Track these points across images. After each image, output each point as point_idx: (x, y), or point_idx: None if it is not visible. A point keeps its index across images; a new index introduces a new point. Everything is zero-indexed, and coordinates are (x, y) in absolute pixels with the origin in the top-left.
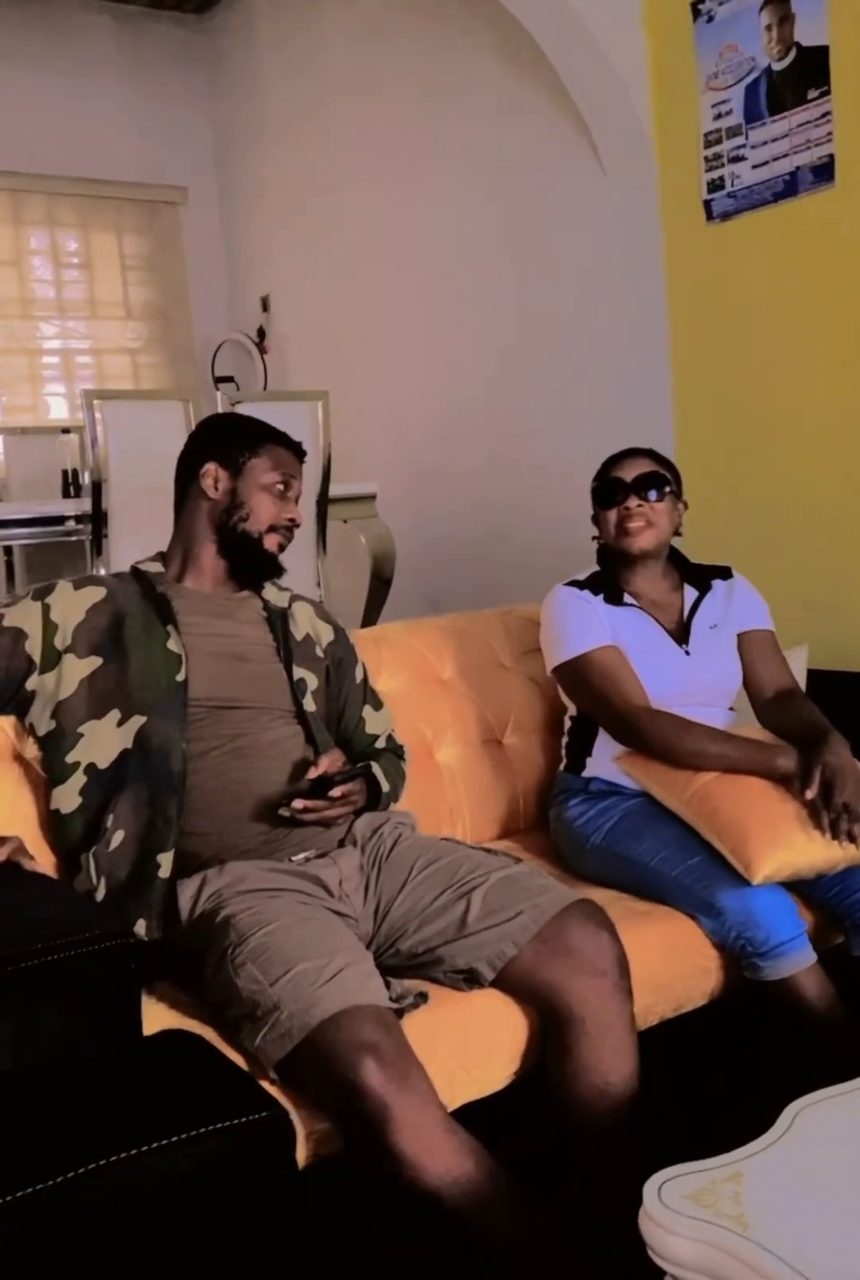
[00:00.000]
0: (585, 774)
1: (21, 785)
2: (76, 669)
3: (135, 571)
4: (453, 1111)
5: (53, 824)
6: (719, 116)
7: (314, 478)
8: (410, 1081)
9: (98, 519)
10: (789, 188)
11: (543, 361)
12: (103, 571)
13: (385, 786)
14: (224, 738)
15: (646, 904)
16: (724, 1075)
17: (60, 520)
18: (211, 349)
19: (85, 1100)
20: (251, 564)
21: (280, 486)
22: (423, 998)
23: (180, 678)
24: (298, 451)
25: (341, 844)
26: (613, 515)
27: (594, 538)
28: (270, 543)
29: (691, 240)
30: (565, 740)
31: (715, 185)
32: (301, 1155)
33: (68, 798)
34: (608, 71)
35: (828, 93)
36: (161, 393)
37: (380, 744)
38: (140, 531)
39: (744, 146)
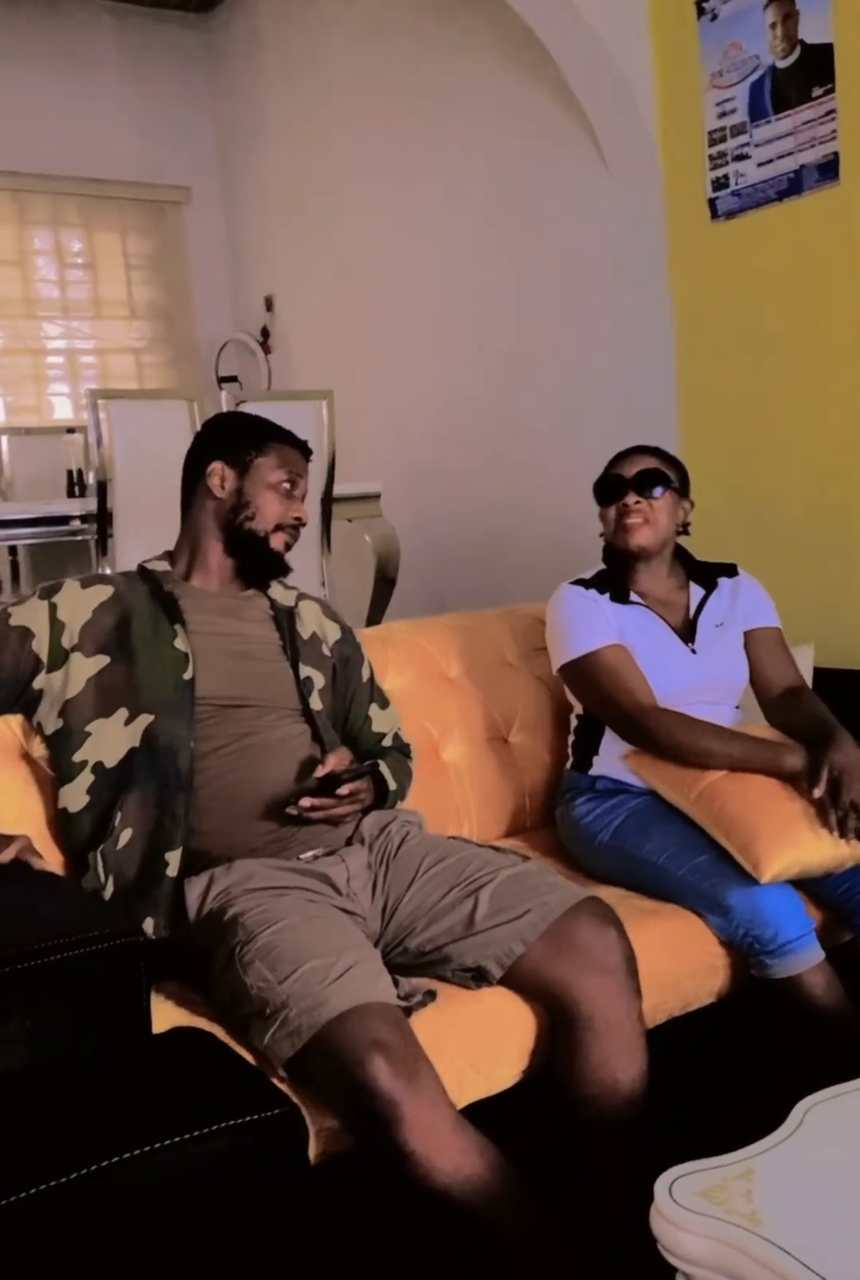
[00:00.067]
0: (592, 772)
1: (29, 784)
2: (84, 668)
3: (142, 570)
4: (461, 1110)
5: (60, 823)
6: (723, 115)
7: (318, 477)
8: (419, 1079)
9: (103, 518)
10: (793, 186)
11: (546, 361)
12: (109, 571)
13: (392, 785)
14: (231, 736)
15: (654, 902)
16: (732, 1073)
17: (65, 520)
18: (215, 349)
19: (97, 1097)
20: (258, 563)
21: (287, 485)
22: (431, 996)
23: (187, 676)
24: (304, 450)
25: (349, 842)
26: (612, 512)
27: (601, 535)
28: (277, 541)
29: (696, 239)
30: (572, 738)
31: (720, 184)
32: (311, 1153)
33: (75, 796)
34: (612, 70)
35: (832, 90)
36: (166, 392)
37: (387, 742)
38: (145, 531)
39: (748, 144)
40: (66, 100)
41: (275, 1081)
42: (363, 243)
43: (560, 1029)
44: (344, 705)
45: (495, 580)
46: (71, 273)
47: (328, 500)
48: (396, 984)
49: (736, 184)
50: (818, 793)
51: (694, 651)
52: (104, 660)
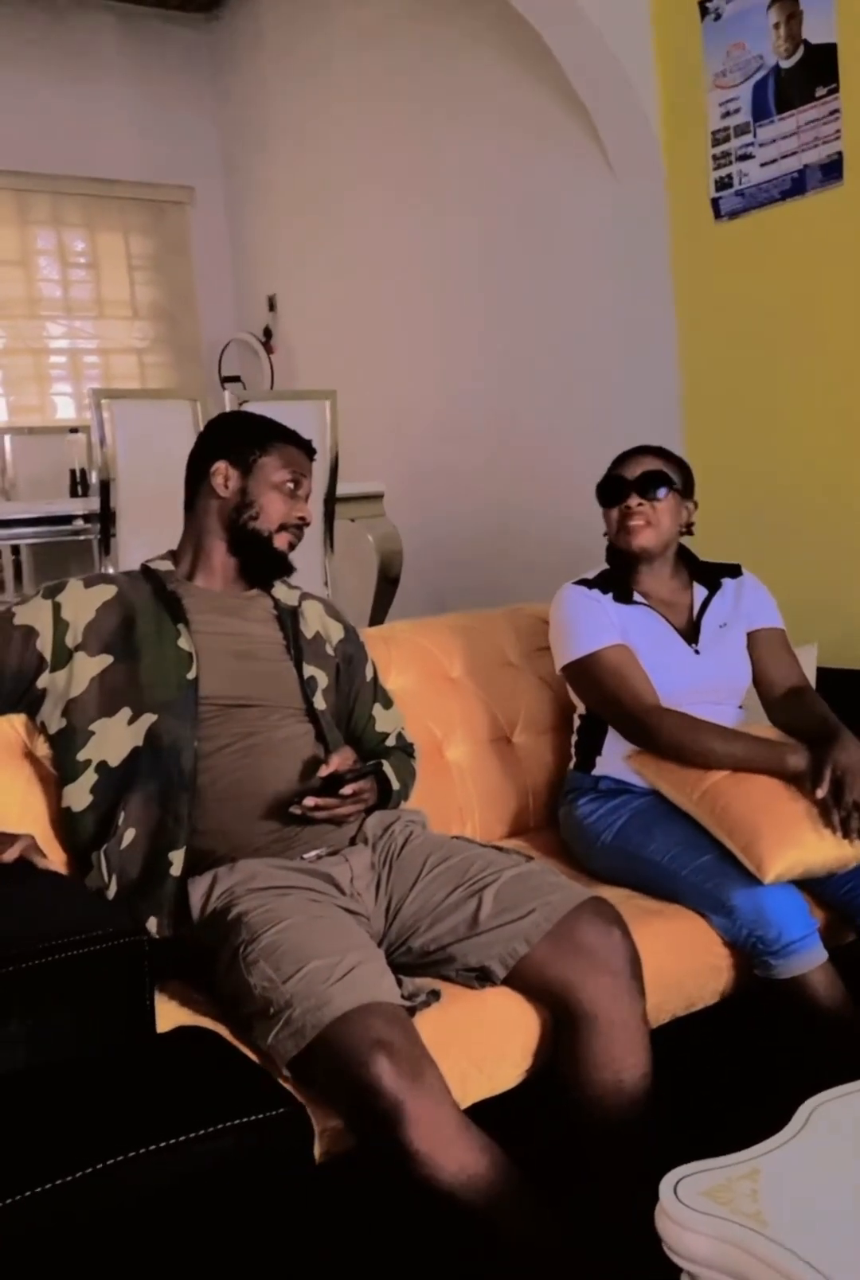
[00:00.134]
0: (595, 772)
1: (33, 783)
2: (87, 667)
3: (146, 570)
4: (465, 1109)
5: (64, 822)
6: (727, 115)
7: (321, 477)
8: (423, 1079)
9: (106, 518)
10: (797, 186)
11: (549, 361)
12: (111, 570)
13: (396, 785)
14: (235, 736)
15: (657, 902)
16: (735, 1073)
17: (68, 520)
18: (218, 349)
19: (101, 1097)
20: (262, 562)
21: (290, 485)
22: (435, 996)
23: (191, 676)
24: (308, 450)
25: (353, 842)
26: (615, 513)
27: (605, 535)
28: (280, 541)
29: (699, 239)
30: (575, 739)
31: (723, 183)
32: (316, 1153)
33: (79, 796)
34: (615, 70)
35: (836, 90)
36: (170, 392)
37: (390, 742)
38: (148, 530)
39: (752, 144)
40: (70, 101)
41: (280, 1081)
42: (366, 243)
43: (564, 1029)
44: (347, 705)
45: (498, 580)
46: (74, 273)
47: (331, 500)
48: (400, 984)
49: (740, 184)
50: (821, 793)
51: (697, 652)
52: (107, 659)
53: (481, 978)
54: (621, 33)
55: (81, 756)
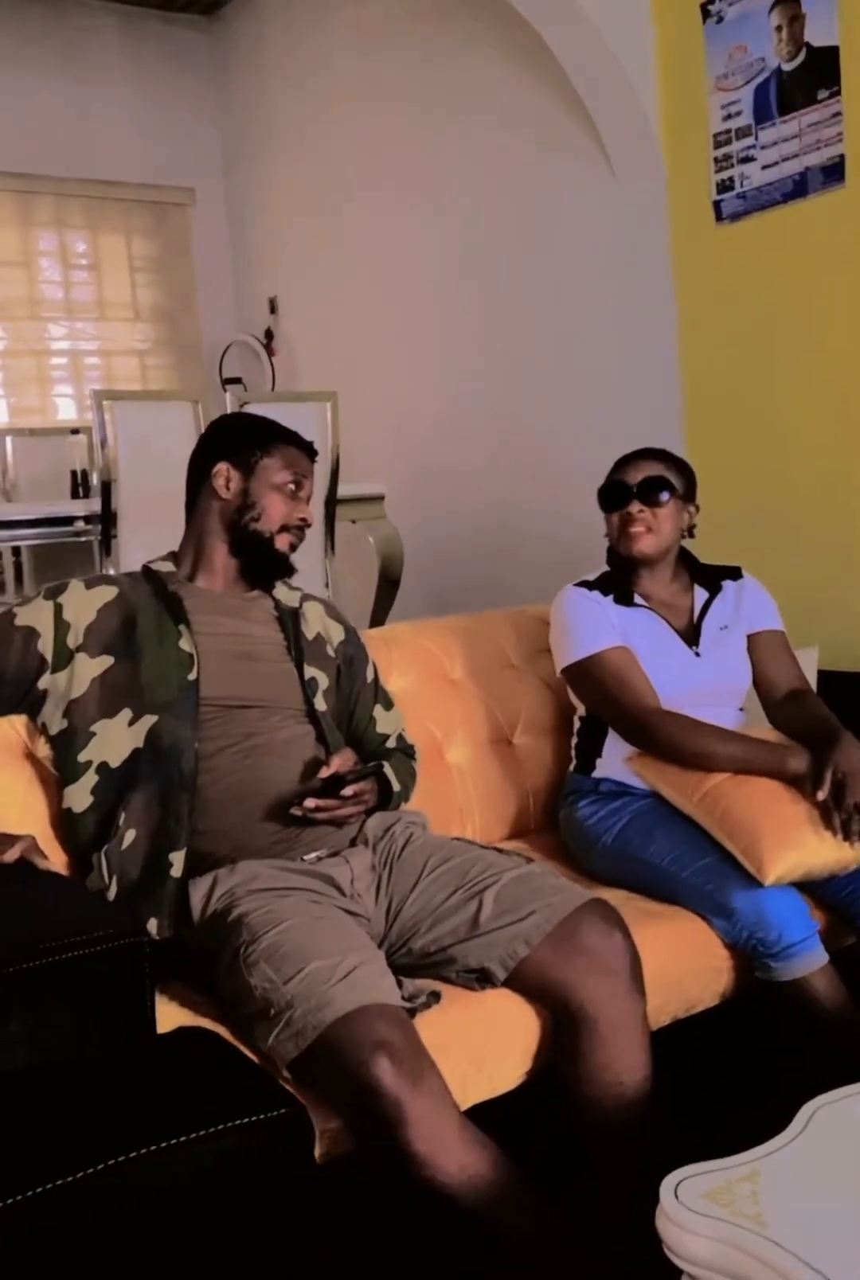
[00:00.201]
0: (595, 774)
1: (33, 784)
2: (88, 668)
3: (147, 571)
4: (465, 1111)
5: (64, 823)
6: (729, 117)
7: (322, 479)
8: (424, 1080)
9: (107, 519)
10: (799, 188)
11: (550, 363)
12: (112, 572)
13: (396, 786)
14: (236, 737)
15: (658, 904)
16: (736, 1075)
17: (69, 521)
18: (219, 350)
19: (102, 1097)
20: (263, 563)
21: (292, 486)
22: (435, 997)
23: (192, 677)
24: (309, 451)
25: (353, 843)
26: (616, 519)
27: (606, 536)
28: (282, 542)
29: (701, 241)
30: (574, 741)
31: (725, 186)
32: (316, 1153)
33: (79, 797)
34: (617, 73)
35: (838, 93)
36: (171, 393)
37: (391, 744)
38: (149, 532)
39: (754, 147)
40: (72, 102)
41: (281, 1082)
42: (367, 244)
43: (564, 1031)
44: (348, 706)
45: (498, 580)
46: (76, 274)
47: (332, 502)
48: (400, 985)
49: (741, 187)
50: (821, 795)
51: (697, 654)
52: (108, 661)
53: (482, 979)
54: (623, 34)
55: (82, 757)
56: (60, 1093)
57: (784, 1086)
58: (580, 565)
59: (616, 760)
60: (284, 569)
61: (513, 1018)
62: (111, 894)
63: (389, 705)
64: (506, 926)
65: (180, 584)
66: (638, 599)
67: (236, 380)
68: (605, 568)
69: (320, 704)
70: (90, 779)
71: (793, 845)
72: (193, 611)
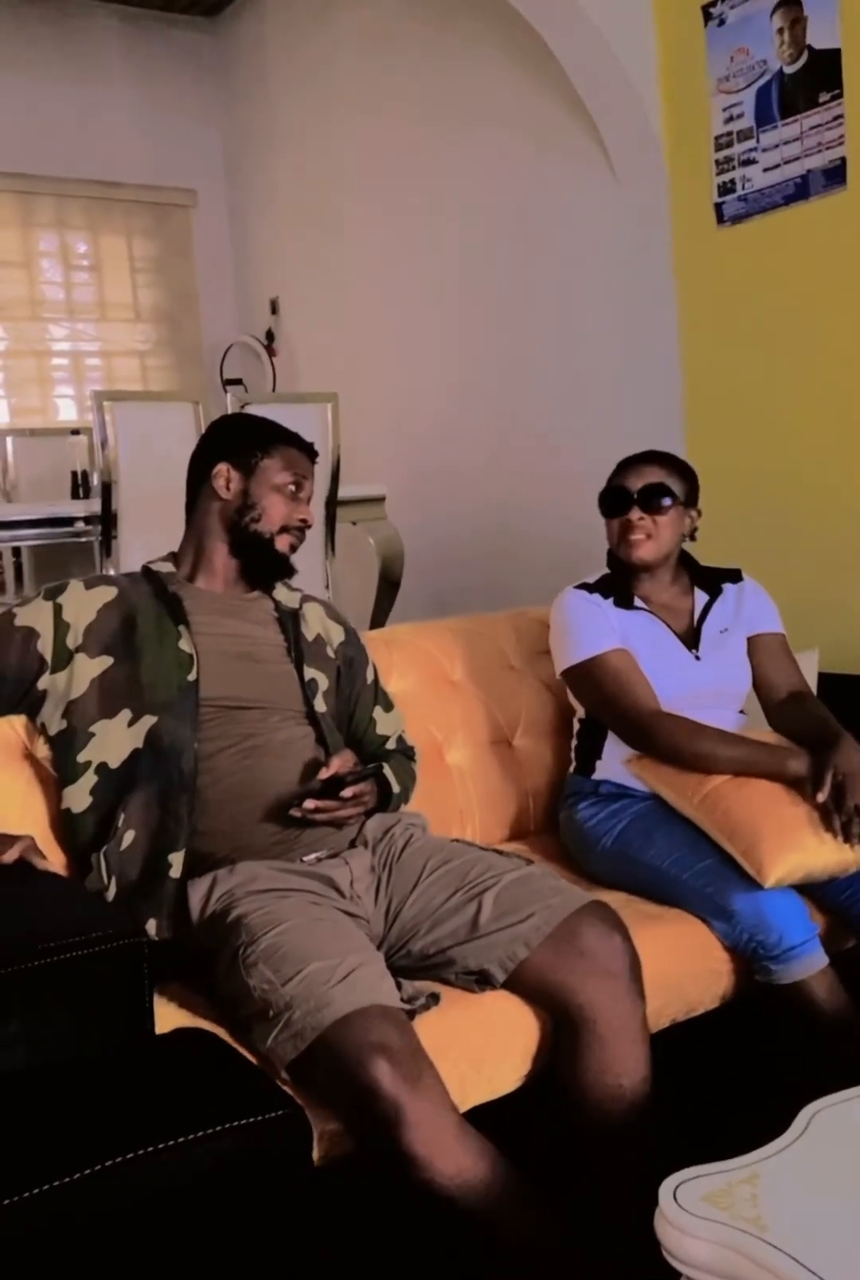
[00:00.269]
0: (595, 776)
1: (33, 785)
2: (88, 668)
3: (147, 571)
4: (464, 1113)
5: (64, 823)
6: (730, 120)
7: (323, 479)
8: (422, 1082)
9: (107, 520)
10: (800, 191)
11: (551, 365)
12: (112, 572)
13: (396, 787)
14: (235, 738)
15: (658, 907)
16: (736, 1078)
17: (69, 521)
18: (220, 351)
19: (100, 1098)
20: (263, 564)
21: (292, 487)
22: (435, 999)
23: (191, 678)
24: (310, 452)
25: (353, 845)
26: (615, 524)
27: (606, 540)
28: (282, 543)
29: (702, 244)
30: (574, 743)
31: (726, 188)
32: (315, 1155)
33: (79, 797)
34: (619, 75)
35: (839, 96)
36: (172, 394)
37: (391, 745)
38: (149, 532)
39: (755, 149)
40: (73, 103)
41: (279, 1083)
42: (368, 246)
43: (563, 1033)
44: (348, 707)
45: (499, 580)
46: (77, 275)
47: (332, 503)
48: (400, 987)
49: (743, 189)
50: (821, 797)
51: (697, 657)
52: (108, 661)
53: (481, 981)
54: (624, 37)
55: (81, 758)
56: (59, 1093)
57: (784, 1089)
58: (580, 566)
59: (616, 762)
60: (284, 570)
61: (512, 1020)
62: (110, 894)
63: (389, 707)
64: (506, 928)
65: (180, 584)
66: (638, 602)
67: (237, 381)
68: (605, 570)
69: (320, 705)
70: (89, 779)
71: (793, 847)
72: (193, 612)
